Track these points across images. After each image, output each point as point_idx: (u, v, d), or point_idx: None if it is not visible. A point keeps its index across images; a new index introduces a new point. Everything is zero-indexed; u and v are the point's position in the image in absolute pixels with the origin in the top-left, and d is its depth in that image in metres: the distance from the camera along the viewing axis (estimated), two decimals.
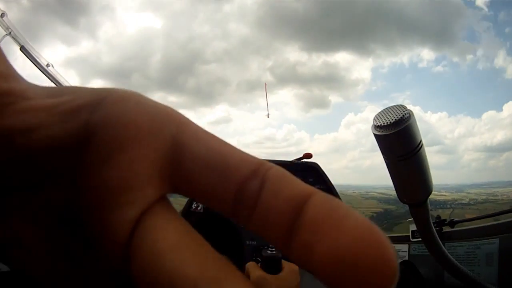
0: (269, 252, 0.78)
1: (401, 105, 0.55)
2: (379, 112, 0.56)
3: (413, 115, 0.55)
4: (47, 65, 1.06)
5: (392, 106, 0.56)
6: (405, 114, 0.54)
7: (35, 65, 1.06)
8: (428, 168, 0.61)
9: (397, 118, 0.53)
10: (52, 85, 0.98)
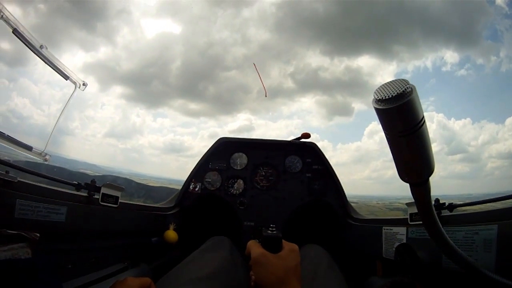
0: (269, 232, 0.79)
1: (403, 79, 0.54)
2: (381, 86, 0.55)
3: (415, 90, 0.53)
4: (41, 47, 1.03)
5: (394, 80, 0.55)
6: (407, 88, 0.52)
7: (29, 48, 1.03)
8: (430, 147, 0.60)
9: (398, 92, 0.52)
10: (47, 67, 0.95)
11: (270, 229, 0.80)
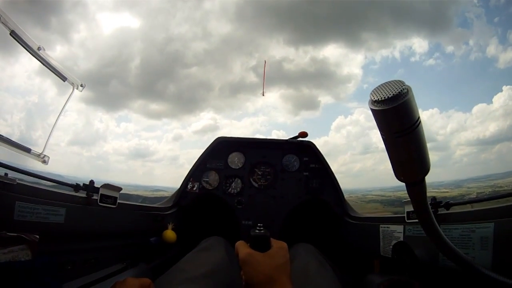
0: (257, 231, 0.79)
1: (399, 80, 0.54)
2: (377, 87, 0.55)
3: (411, 91, 0.54)
4: (39, 49, 1.03)
5: (390, 81, 0.55)
6: (403, 89, 0.53)
7: (26, 50, 1.03)
8: (426, 147, 0.61)
9: (395, 93, 0.53)
10: (44, 68, 0.95)
11: (257, 228, 0.80)
